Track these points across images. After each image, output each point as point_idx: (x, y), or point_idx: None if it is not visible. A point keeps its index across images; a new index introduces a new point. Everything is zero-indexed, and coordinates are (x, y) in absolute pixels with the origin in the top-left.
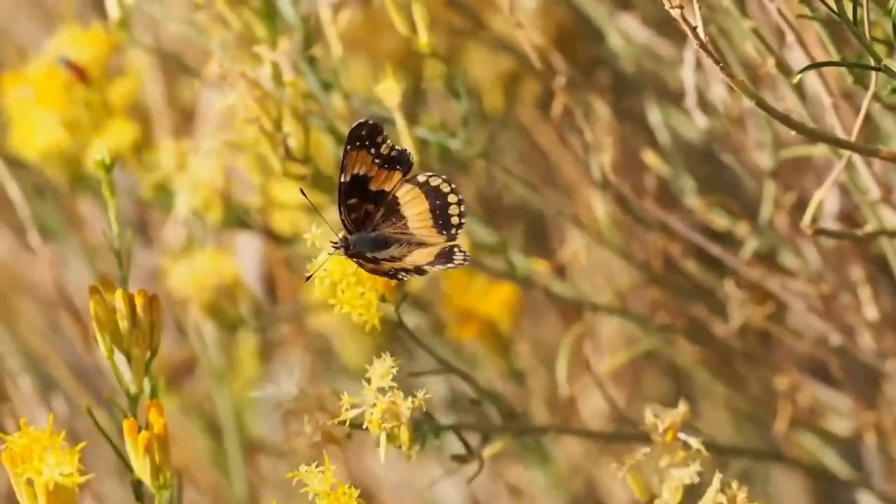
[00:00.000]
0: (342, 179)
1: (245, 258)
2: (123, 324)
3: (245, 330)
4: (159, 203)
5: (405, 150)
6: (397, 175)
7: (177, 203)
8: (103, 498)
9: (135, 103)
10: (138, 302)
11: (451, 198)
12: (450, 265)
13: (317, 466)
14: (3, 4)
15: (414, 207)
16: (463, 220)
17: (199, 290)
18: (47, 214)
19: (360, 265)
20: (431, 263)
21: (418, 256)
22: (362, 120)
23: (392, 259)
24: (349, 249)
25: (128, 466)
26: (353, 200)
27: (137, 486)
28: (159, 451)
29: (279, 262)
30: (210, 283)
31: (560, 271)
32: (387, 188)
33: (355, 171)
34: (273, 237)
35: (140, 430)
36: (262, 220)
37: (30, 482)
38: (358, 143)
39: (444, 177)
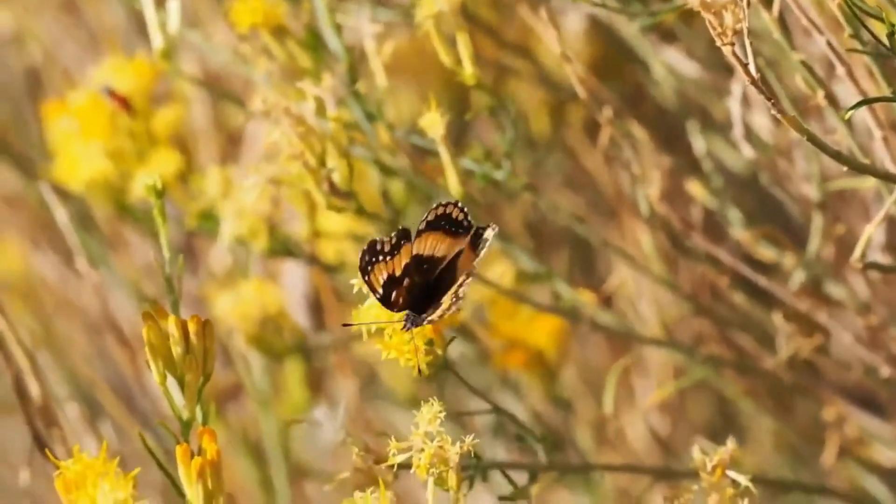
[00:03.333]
0: (378, 297)
1: (291, 285)
2: (176, 350)
3: (291, 359)
4: (204, 230)
5: (400, 228)
6: (406, 247)
7: (221, 230)
8: None
9: (181, 129)
10: (191, 328)
11: (450, 209)
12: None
13: (372, 493)
14: (49, 29)
15: (432, 244)
16: (466, 211)
17: (243, 320)
18: (92, 242)
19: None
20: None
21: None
22: (362, 249)
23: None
24: (417, 322)
25: (179, 492)
26: (393, 295)
27: None
28: (212, 477)
29: (326, 289)
30: (255, 314)
31: (607, 301)
32: (405, 262)
33: (381, 283)
34: (320, 265)
35: (193, 456)
36: (308, 249)
37: None
38: (369, 268)
39: (434, 206)
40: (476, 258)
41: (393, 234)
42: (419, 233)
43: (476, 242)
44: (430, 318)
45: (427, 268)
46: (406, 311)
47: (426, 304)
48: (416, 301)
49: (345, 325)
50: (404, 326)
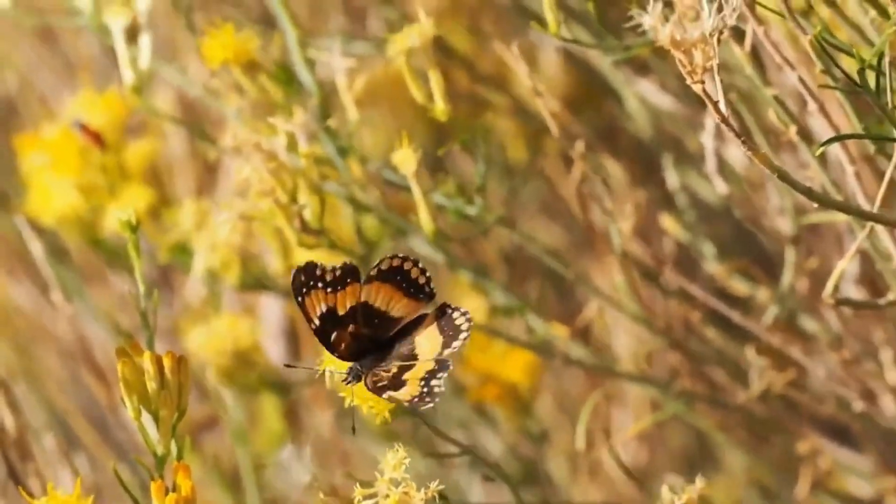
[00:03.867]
0: (313, 327)
1: (268, 316)
2: (151, 385)
3: (266, 392)
4: (177, 263)
5: (346, 262)
6: (352, 287)
7: (194, 264)
8: None
9: (156, 160)
10: (166, 364)
11: (407, 265)
12: (461, 340)
13: None
14: (25, 56)
15: (385, 298)
16: (428, 275)
17: (216, 355)
18: (67, 275)
19: (382, 388)
20: (447, 345)
21: (425, 341)
22: (296, 267)
23: (405, 358)
24: (362, 375)
25: None
26: (334, 335)
27: None
28: None
29: (302, 321)
30: (227, 348)
31: (583, 333)
32: (350, 303)
33: (318, 314)
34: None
35: (168, 491)
36: (282, 283)
37: None
38: (304, 290)
39: (389, 256)
40: (447, 347)
41: (338, 266)
42: (369, 279)
43: (443, 321)
44: (396, 396)
45: (379, 322)
46: (351, 364)
47: (375, 360)
48: (362, 352)
49: (287, 365)
50: (345, 380)
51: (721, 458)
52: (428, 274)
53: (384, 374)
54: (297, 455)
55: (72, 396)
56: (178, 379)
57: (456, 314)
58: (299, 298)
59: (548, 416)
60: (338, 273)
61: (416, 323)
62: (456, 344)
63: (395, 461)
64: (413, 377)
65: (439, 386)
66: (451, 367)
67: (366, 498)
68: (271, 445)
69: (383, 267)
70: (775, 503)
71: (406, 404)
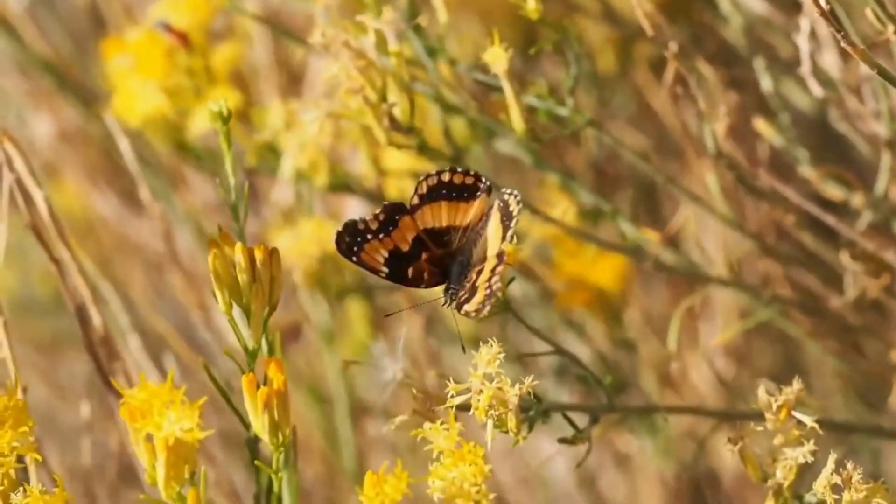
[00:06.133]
0: (383, 276)
1: None
2: (242, 278)
3: (354, 298)
4: (264, 166)
5: (386, 203)
6: (405, 221)
7: (282, 164)
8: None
9: (242, 65)
10: (258, 256)
11: (445, 176)
12: (515, 221)
13: (441, 424)
14: None
15: (441, 214)
16: (474, 173)
17: (302, 258)
18: (153, 178)
19: (461, 305)
20: (506, 231)
21: (493, 235)
22: (336, 232)
23: (482, 259)
24: (455, 296)
25: (244, 424)
26: (411, 272)
27: (253, 443)
28: (278, 407)
29: None
30: (314, 252)
31: (672, 240)
32: (411, 236)
33: (382, 262)
34: (381, 203)
35: (259, 386)
36: (369, 186)
37: (149, 438)
38: (355, 248)
39: (421, 177)
40: (506, 233)
41: (379, 211)
42: (414, 207)
43: (502, 209)
44: (466, 310)
45: (449, 237)
46: (445, 287)
47: (462, 272)
48: (449, 272)
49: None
50: (444, 303)
51: (810, 370)
52: (473, 171)
53: (467, 285)
54: (389, 350)
55: (156, 304)
56: (269, 272)
57: (509, 198)
58: (353, 259)
59: (636, 328)
60: (382, 216)
61: (486, 221)
62: (511, 226)
63: (489, 356)
64: (483, 281)
65: (497, 282)
66: (505, 260)
67: (459, 393)
68: (358, 352)
69: (422, 191)
70: (868, 413)
71: (473, 315)
